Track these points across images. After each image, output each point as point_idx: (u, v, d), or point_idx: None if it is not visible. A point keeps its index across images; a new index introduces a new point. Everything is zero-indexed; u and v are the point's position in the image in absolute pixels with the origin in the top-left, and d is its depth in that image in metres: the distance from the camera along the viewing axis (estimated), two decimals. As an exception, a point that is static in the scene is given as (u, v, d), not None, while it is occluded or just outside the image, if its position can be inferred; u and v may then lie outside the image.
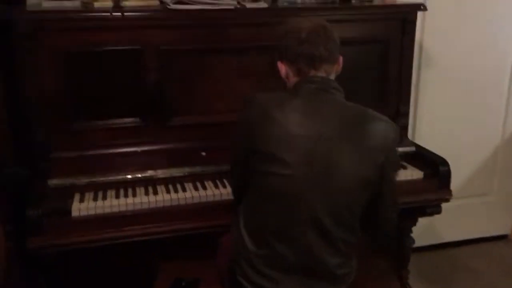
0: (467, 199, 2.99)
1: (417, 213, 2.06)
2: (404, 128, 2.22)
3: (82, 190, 1.80)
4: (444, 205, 2.89)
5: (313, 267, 1.37)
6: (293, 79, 1.43)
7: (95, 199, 1.76)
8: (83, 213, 1.71)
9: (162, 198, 1.78)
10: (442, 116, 2.77)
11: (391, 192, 1.45)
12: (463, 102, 2.78)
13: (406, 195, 1.94)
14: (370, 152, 1.35)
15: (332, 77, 1.45)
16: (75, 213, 1.70)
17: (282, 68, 1.44)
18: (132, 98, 1.93)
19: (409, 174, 1.99)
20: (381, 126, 1.38)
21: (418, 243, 2.91)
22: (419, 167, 2.04)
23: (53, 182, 1.78)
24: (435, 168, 1.98)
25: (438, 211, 2.03)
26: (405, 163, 2.08)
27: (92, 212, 1.71)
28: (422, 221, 2.88)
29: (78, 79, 1.86)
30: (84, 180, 1.81)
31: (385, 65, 2.17)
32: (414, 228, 2.85)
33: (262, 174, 1.37)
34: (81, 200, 1.76)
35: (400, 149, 2.11)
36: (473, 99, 2.79)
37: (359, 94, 2.10)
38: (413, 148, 2.13)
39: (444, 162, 1.98)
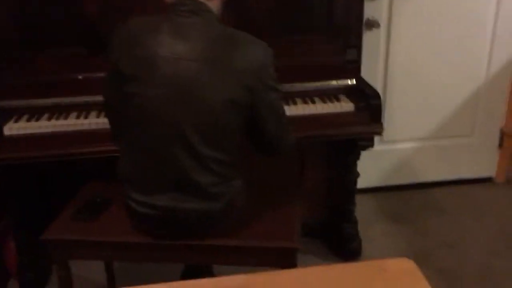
0: (448, 140, 2.94)
1: (351, 146, 2.06)
2: (354, 62, 2.18)
3: (21, 112, 1.95)
4: (423, 144, 2.89)
5: (183, 184, 1.45)
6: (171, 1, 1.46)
7: (29, 120, 1.90)
8: (15, 132, 1.86)
9: (90, 121, 1.90)
10: (419, 53, 2.69)
11: (272, 113, 1.49)
12: (444, 38, 2.68)
13: (335, 127, 1.96)
14: (237, 75, 1.38)
15: (213, 2, 1.47)
16: (7, 131, 1.85)
17: None
18: (75, 27, 2.03)
19: (339, 106, 1.99)
20: (250, 49, 1.41)
21: (391, 182, 2.93)
22: (354, 101, 2.03)
23: (-5, 104, 1.94)
24: (368, 102, 1.96)
25: (370, 145, 2.03)
26: (341, 96, 2.08)
27: (22, 131, 1.86)
28: (397, 160, 2.90)
29: (22, 7, 1.97)
30: (23, 103, 1.96)
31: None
32: (387, 166, 2.87)
33: (127, 96, 1.44)
34: (16, 121, 1.90)
35: (339, 82, 2.11)
36: (455, 34, 2.67)
37: (304, 24, 2.12)
38: (353, 81, 2.10)
39: (376, 96, 1.96)
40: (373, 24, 2.55)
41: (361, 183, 2.84)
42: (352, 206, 2.32)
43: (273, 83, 1.47)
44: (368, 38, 2.56)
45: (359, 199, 2.80)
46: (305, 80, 2.09)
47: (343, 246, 2.37)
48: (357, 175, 2.25)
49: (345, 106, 1.99)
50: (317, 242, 2.51)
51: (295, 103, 2.02)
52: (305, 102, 2.03)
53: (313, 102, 2.04)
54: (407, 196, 2.91)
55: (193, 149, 1.42)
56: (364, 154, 2.81)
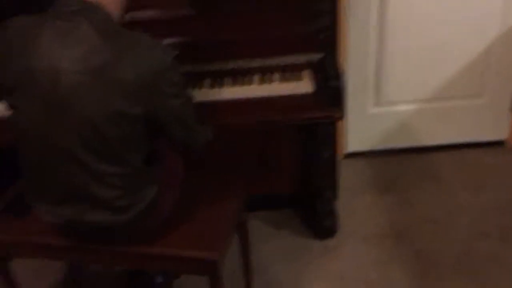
0: (454, 101, 2.68)
1: (312, 130, 1.89)
2: (325, 30, 1.94)
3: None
4: (425, 106, 2.65)
5: (83, 197, 1.37)
6: None
7: None
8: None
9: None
10: (423, 4, 2.38)
11: (175, 120, 1.36)
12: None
13: (286, 112, 1.78)
14: (124, 86, 1.24)
15: None
16: None
17: None
18: None
19: (295, 87, 1.80)
20: (141, 55, 1.25)
21: (387, 145, 2.74)
22: (318, 79, 1.83)
23: None
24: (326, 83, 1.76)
25: (330, 131, 1.85)
26: (305, 72, 1.87)
27: None
28: (395, 123, 2.68)
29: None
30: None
31: None
32: (383, 129, 2.68)
33: (9, 107, 1.34)
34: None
35: (302, 57, 1.90)
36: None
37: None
38: (318, 56, 1.88)
39: (335, 76, 1.75)
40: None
41: (353, 146, 2.70)
42: (324, 183, 2.18)
43: (174, 90, 1.31)
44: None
45: (349, 163, 2.69)
46: (267, 55, 1.90)
47: (316, 223, 2.25)
48: (327, 153, 2.08)
49: (303, 87, 1.80)
50: (292, 215, 2.41)
51: (250, 82, 1.85)
52: (262, 81, 1.85)
53: (271, 81, 1.85)
54: (403, 162, 2.72)
55: (87, 166, 1.32)
56: (357, 117, 2.64)
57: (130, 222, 1.42)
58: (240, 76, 1.89)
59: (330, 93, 1.75)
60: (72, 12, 1.25)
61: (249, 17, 1.94)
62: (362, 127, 2.71)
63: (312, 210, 2.27)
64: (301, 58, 1.90)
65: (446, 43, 2.48)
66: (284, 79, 1.85)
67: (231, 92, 1.80)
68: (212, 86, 1.86)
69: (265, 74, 1.89)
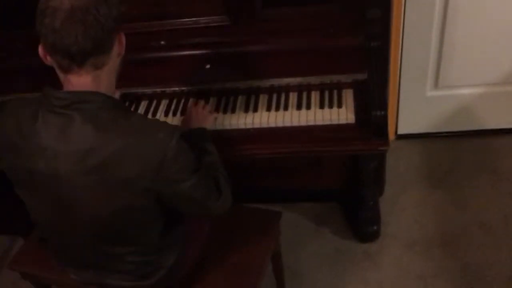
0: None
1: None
2: (375, 37, 1.71)
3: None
4: (487, 91, 2.38)
5: (105, 265, 1.36)
6: (58, 73, 1.16)
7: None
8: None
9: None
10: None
11: (186, 201, 1.26)
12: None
13: (326, 143, 1.64)
14: (128, 181, 1.14)
15: (108, 68, 1.16)
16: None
17: (44, 54, 1.14)
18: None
19: (335, 116, 1.64)
20: (143, 146, 1.13)
21: (444, 128, 2.55)
22: (359, 104, 1.66)
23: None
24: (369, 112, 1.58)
25: (374, 163, 1.71)
26: (347, 92, 1.71)
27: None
28: (457, 106, 2.45)
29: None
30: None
31: None
32: (441, 112, 2.50)
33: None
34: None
35: (344, 77, 1.70)
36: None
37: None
38: (364, 76, 1.68)
39: (381, 106, 1.55)
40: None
41: (407, 128, 2.55)
42: (368, 192, 2.06)
43: (181, 175, 1.19)
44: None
45: (401, 145, 2.55)
46: (306, 73, 1.72)
47: (358, 227, 2.17)
48: (373, 165, 1.93)
49: (343, 116, 1.64)
50: (337, 209, 2.33)
51: (286, 106, 1.71)
52: (299, 106, 1.70)
53: (309, 105, 1.70)
54: (460, 147, 2.51)
55: (102, 251, 1.31)
56: (413, 98, 2.44)
57: (153, 286, 1.41)
58: (275, 95, 1.74)
59: (374, 123, 1.58)
60: (64, 107, 1.13)
61: (289, 25, 1.74)
62: (419, 109, 2.51)
63: (355, 212, 2.17)
64: (343, 77, 1.71)
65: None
66: (323, 103, 1.69)
67: (266, 119, 1.67)
68: (246, 106, 1.73)
69: (302, 92, 1.74)
